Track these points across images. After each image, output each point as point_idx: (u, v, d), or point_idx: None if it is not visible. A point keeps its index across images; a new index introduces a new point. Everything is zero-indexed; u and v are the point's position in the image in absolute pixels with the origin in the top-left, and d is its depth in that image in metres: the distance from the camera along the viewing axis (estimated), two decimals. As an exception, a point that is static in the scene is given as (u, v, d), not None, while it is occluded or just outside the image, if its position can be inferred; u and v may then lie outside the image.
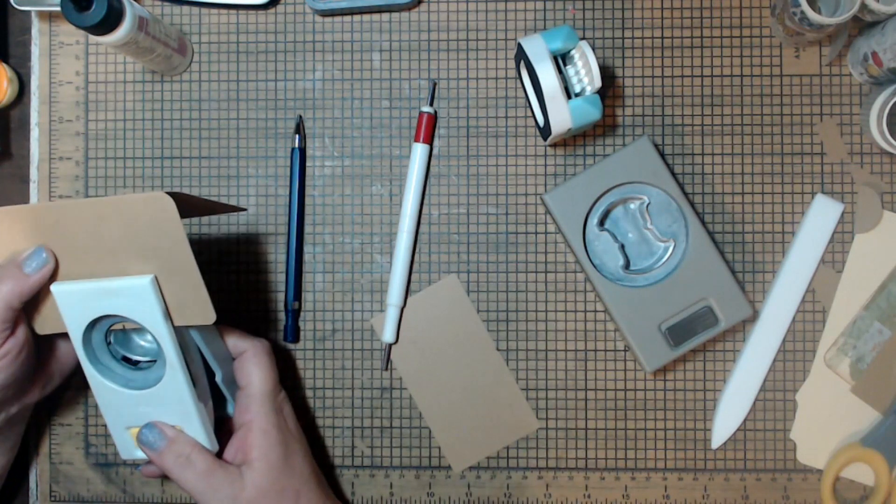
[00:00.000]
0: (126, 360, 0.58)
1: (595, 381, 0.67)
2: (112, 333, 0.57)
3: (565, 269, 0.67)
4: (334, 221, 0.68)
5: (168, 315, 0.54)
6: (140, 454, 0.57)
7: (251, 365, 0.59)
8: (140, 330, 0.57)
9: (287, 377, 0.67)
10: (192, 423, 0.56)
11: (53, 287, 0.54)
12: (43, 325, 0.57)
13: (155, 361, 0.57)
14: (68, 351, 0.61)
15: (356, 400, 0.68)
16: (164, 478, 0.67)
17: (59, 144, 0.68)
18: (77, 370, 0.61)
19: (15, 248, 0.54)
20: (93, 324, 0.55)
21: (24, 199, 0.69)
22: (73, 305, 0.54)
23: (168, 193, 0.51)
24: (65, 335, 0.59)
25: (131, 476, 0.68)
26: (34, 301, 0.55)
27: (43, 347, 0.60)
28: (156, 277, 0.53)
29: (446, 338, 0.67)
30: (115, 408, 0.56)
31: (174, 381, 0.55)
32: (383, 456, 0.68)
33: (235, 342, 0.60)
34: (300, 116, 0.68)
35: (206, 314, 0.54)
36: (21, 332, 0.55)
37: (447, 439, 0.67)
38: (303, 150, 0.68)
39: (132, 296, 0.53)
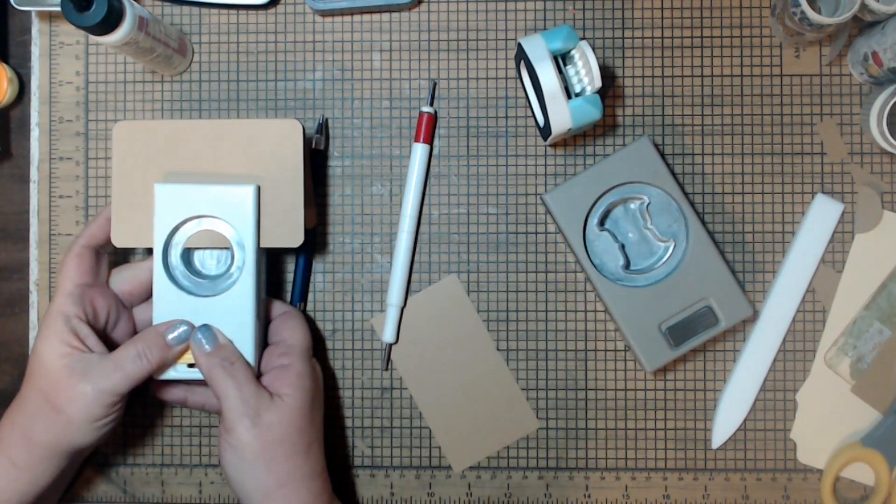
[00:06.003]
0: None
1: (595, 381, 0.67)
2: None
3: (565, 269, 0.67)
4: (334, 221, 0.68)
5: (258, 224, 0.59)
6: (173, 374, 0.59)
7: (294, 320, 0.62)
8: (203, 252, 0.61)
9: (287, 377, 0.67)
10: (246, 339, 0.59)
11: (158, 185, 0.58)
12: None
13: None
14: None
15: (356, 400, 0.68)
16: (173, 408, 0.67)
17: (59, 144, 0.68)
18: None
19: (140, 158, 0.60)
20: (171, 238, 0.59)
21: (24, 199, 0.69)
22: (171, 202, 0.58)
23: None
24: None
25: (131, 476, 0.68)
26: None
27: None
28: (258, 188, 0.59)
29: (446, 338, 0.67)
30: (170, 317, 0.58)
31: (243, 288, 0.58)
32: (383, 456, 0.68)
33: (275, 303, 0.63)
34: (324, 117, 0.68)
35: (296, 235, 0.60)
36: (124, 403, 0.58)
37: (447, 439, 0.67)
38: (323, 151, 0.68)
39: (231, 200, 0.58)
